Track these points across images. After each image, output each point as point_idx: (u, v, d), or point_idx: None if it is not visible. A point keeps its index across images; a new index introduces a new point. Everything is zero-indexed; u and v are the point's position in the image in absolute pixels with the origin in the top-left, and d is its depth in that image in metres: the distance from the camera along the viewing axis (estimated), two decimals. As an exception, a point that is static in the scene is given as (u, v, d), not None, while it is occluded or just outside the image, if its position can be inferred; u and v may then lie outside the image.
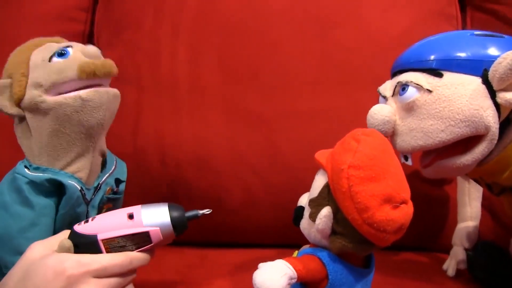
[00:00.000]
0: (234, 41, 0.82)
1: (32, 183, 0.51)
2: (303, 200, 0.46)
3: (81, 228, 0.44)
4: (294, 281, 0.39)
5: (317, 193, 0.43)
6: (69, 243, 0.43)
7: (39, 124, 0.52)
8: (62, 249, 0.43)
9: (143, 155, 0.79)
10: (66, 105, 0.50)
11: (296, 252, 0.47)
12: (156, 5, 0.86)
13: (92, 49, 0.54)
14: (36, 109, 0.51)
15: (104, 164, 0.59)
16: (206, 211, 0.48)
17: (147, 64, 0.83)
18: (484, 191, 0.67)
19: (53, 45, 0.54)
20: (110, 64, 0.54)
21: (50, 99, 0.50)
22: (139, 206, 0.46)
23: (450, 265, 0.66)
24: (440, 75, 0.49)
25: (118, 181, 0.60)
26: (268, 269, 0.38)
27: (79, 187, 0.53)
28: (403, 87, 0.51)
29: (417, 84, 0.49)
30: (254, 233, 0.79)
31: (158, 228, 0.44)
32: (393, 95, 0.53)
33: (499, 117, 0.47)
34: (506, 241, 0.59)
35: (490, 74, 0.47)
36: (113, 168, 0.60)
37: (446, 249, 0.70)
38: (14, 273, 0.42)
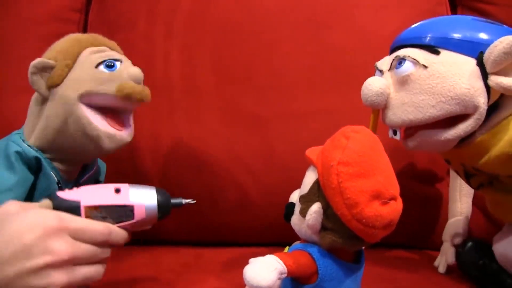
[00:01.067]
0: (229, 42, 0.82)
1: (23, 154, 0.51)
2: (294, 197, 0.47)
3: (64, 194, 0.44)
4: (284, 276, 0.39)
5: (308, 189, 0.43)
6: (49, 203, 0.43)
7: (55, 117, 0.52)
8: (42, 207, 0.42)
9: (138, 156, 0.79)
10: (84, 128, 0.51)
11: (287, 247, 0.47)
12: (150, 6, 0.86)
13: (137, 72, 0.55)
14: (62, 105, 0.51)
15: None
16: (190, 200, 0.49)
17: (142, 65, 0.78)
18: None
19: (106, 50, 0.55)
20: (147, 94, 0.55)
21: (81, 110, 0.51)
22: (127, 184, 0.46)
23: (441, 262, 0.66)
24: (437, 52, 0.50)
25: (96, 182, 0.62)
26: (258, 264, 0.39)
27: (57, 180, 0.54)
28: (400, 61, 0.51)
29: (413, 59, 0.50)
30: (249, 232, 0.79)
31: (144, 204, 0.45)
32: (389, 69, 0.53)
33: (488, 99, 0.48)
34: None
35: (485, 56, 0.47)
36: (94, 169, 0.61)
37: (439, 247, 0.70)
38: None
